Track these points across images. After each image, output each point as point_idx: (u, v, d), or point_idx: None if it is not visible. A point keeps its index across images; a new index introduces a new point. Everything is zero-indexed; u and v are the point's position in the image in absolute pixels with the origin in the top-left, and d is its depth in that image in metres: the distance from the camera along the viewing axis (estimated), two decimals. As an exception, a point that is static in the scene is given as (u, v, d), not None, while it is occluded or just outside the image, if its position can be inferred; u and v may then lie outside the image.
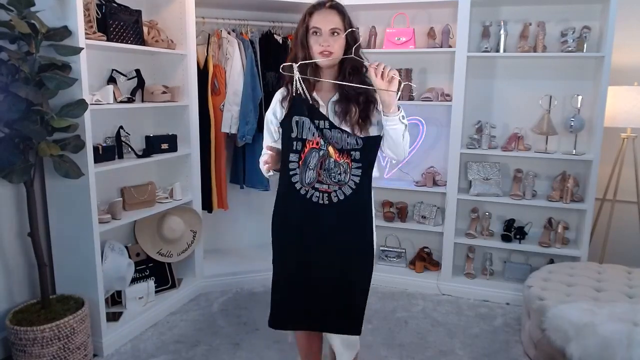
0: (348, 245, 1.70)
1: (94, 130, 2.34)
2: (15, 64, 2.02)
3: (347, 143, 1.63)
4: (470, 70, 3.10)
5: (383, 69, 1.57)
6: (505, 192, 3.21)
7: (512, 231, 3.18)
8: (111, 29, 2.46)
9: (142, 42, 2.67)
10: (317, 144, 1.63)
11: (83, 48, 2.17)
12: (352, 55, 1.68)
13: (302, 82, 1.63)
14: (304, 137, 1.64)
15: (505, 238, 3.17)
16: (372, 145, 1.66)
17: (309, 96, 1.66)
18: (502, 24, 3.02)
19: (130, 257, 2.80)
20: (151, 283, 2.86)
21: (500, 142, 3.22)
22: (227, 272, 3.31)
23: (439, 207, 3.35)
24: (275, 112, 1.77)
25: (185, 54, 2.90)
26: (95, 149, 2.39)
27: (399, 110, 1.64)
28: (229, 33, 3.20)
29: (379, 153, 1.72)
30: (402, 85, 1.65)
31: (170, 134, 2.93)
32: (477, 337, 2.68)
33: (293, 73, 1.62)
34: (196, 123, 3.03)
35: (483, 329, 2.78)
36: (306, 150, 1.64)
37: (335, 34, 1.63)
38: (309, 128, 1.63)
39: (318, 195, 1.65)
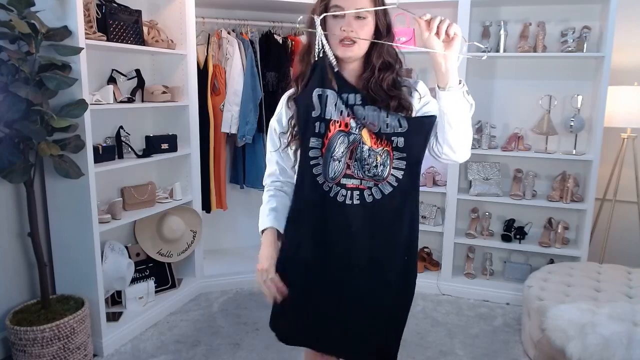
0: (385, 259, 1.31)
1: (94, 130, 2.34)
2: (15, 64, 2.02)
3: (387, 125, 1.22)
4: (470, 70, 3.10)
5: (440, 22, 1.13)
6: (505, 192, 3.21)
7: (512, 231, 3.18)
8: (111, 29, 2.46)
9: (142, 42, 2.66)
10: (347, 125, 1.24)
11: (83, 48, 2.17)
12: (384, 42, 1.28)
13: (326, 40, 1.22)
14: (328, 116, 1.25)
15: (505, 238, 3.17)
16: (421, 129, 1.23)
17: (333, 60, 1.23)
18: (502, 24, 3.02)
19: (130, 257, 2.80)
20: (151, 283, 2.86)
21: (500, 142, 3.22)
22: (227, 272, 3.31)
23: (439, 207, 3.35)
24: (280, 117, 1.41)
25: (185, 54, 2.90)
26: (95, 149, 2.39)
27: (460, 83, 1.20)
28: (229, 33, 3.20)
29: (429, 155, 1.30)
30: (465, 46, 1.24)
31: (170, 134, 2.93)
32: (477, 337, 2.68)
33: (314, 29, 1.22)
34: (196, 123, 3.03)
35: (483, 329, 2.78)
36: (330, 133, 1.25)
37: (362, 17, 1.25)
38: (335, 104, 1.25)
39: (345, 194, 1.25)
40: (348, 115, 1.24)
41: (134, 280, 2.80)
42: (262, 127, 3.21)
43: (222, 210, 3.38)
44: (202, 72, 3.12)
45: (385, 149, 1.23)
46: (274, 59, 3.28)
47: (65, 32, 2.14)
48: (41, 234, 2.34)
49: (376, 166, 1.23)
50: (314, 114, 1.25)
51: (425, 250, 3.47)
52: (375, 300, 1.32)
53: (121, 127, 2.71)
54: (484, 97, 3.25)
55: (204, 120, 3.12)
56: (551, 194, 3.09)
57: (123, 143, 2.70)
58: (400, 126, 1.22)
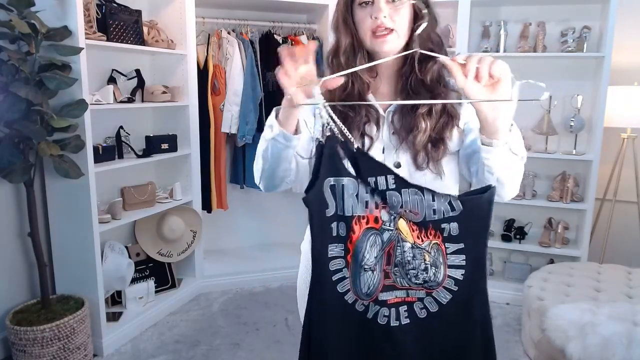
0: None
1: (94, 130, 2.34)
2: (15, 64, 2.02)
3: (434, 210, 0.89)
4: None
5: (478, 62, 0.84)
6: (505, 192, 3.20)
7: (512, 231, 3.18)
8: (111, 29, 2.46)
9: (142, 42, 2.66)
10: (377, 220, 0.90)
11: (83, 48, 2.17)
12: (423, 28, 0.99)
13: (333, 115, 0.87)
14: (349, 213, 0.89)
15: (505, 238, 3.17)
16: (480, 209, 0.93)
17: (349, 136, 0.90)
18: (502, 24, 3.02)
19: (130, 257, 2.80)
20: (151, 283, 2.86)
21: (500, 142, 3.21)
22: (227, 272, 3.31)
23: (439, 207, 3.35)
24: (307, 114, 1.05)
25: (185, 54, 2.90)
26: (95, 149, 2.39)
27: (510, 131, 0.91)
28: (228, 33, 3.20)
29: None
30: (516, 87, 0.86)
31: (170, 134, 2.93)
32: (477, 337, 2.68)
33: (314, 102, 0.87)
34: (196, 123, 3.03)
35: (483, 329, 2.77)
36: (355, 235, 0.90)
37: (396, 0, 0.99)
38: (357, 195, 0.89)
39: (388, 314, 0.92)
40: (377, 207, 0.89)
41: (134, 280, 2.79)
42: (262, 127, 3.17)
43: (223, 210, 3.38)
44: (202, 72, 3.12)
45: (434, 242, 0.90)
46: (274, 59, 3.27)
47: (65, 32, 2.14)
48: (41, 234, 2.33)
49: (425, 269, 0.90)
50: (328, 212, 0.89)
51: (425, 250, 3.46)
52: None
53: (121, 127, 2.71)
54: (484, 97, 3.24)
55: (204, 120, 3.12)
56: (551, 194, 3.09)
57: (123, 143, 2.70)
58: (453, 209, 0.89)
